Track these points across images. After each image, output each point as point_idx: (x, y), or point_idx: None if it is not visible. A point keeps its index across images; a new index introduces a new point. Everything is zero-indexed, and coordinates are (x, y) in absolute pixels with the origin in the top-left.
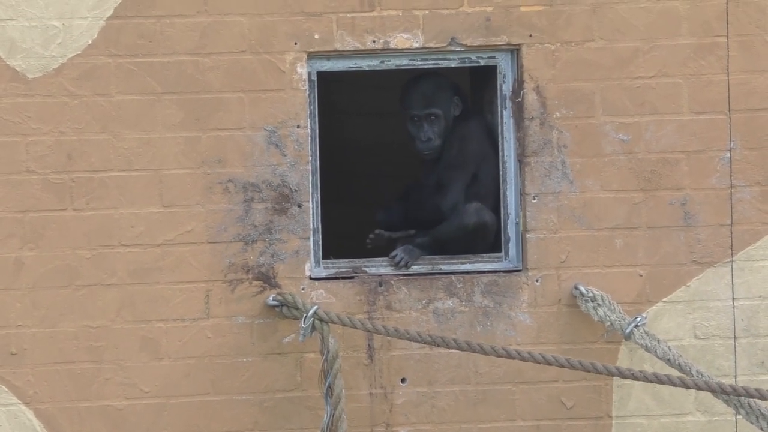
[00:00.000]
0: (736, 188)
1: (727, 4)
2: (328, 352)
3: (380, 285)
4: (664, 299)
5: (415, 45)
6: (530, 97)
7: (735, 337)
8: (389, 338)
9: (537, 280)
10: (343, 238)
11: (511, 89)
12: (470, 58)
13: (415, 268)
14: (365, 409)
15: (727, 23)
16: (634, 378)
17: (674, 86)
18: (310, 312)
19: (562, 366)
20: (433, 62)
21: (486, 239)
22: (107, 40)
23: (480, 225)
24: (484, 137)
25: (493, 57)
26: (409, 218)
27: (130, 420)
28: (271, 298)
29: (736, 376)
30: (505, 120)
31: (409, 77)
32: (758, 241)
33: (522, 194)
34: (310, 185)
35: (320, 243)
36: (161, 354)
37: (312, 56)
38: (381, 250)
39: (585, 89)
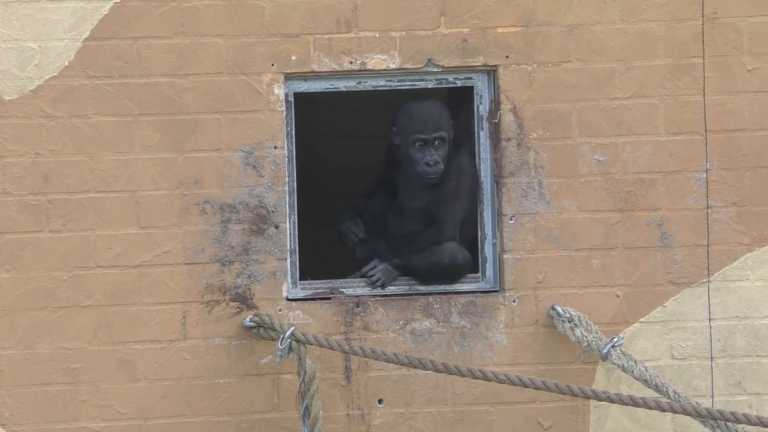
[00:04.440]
0: (712, 209)
1: (703, 25)
2: (305, 373)
3: (357, 306)
4: (641, 320)
5: (392, 66)
6: (507, 118)
7: (712, 358)
8: (366, 359)
9: (514, 301)
10: (319, 259)
11: (487, 110)
12: (447, 79)
13: (392, 289)
14: (343, 431)
15: (703, 44)
16: (610, 401)
17: (651, 107)
18: (287, 333)
19: (538, 388)
20: (410, 83)
21: (458, 277)
22: (84, 62)
23: (453, 265)
24: (475, 168)
25: (470, 78)
26: (385, 234)
27: None
28: (248, 320)
29: (713, 397)
30: (481, 141)
31: (407, 102)
32: (735, 262)
33: (499, 215)
34: (287, 206)
35: (297, 264)
36: (138, 375)
37: (289, 77)
38: (357, 266)
39: (561, 110)
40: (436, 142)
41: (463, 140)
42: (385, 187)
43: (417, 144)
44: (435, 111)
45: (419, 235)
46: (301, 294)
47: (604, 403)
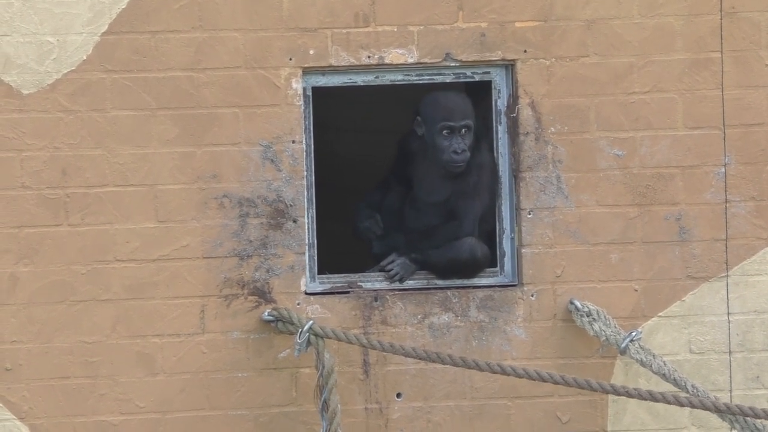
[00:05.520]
0: (730, 203)
1: (721, 19)
2: (324, 367)
3: (375, 300)
4: (660, 314)
5: (410, 60)
6: (525, 113)
7: (730, 352)
8: (384, 353)
9: (532, 295)
10: (337, 253)
11: (506, 104)
12: (465, 73)
13: (410, 283)
14: (361, 425)
15: (722, 39)
16: (629, 395)
17: (669, 101)
18: (306, 327)
19: (557, 383)
20: (428, 77)
21: (477, 272)
22: (102, 56)
23: (471, 260)
24: (494, 162)
25: (488, 72)
26: (401, 228)
27: None
28: (266, 313)
29: (731, 391)
30: (499, 135)
31: (432, 92)
32: (753, 256)
33: (517, 209)
34: (306, 200)
35: (315, 258)
36: (156, 369)
37: (307, 71)
38: (374, 260)
39: (580, 104)
40: (463, 131)
41: (481, 135)
42: (398, 180)
43: (444, 132)
44: (461, 100)
45: (437, 229)
46: (319, 288)
47: (622, 397)
